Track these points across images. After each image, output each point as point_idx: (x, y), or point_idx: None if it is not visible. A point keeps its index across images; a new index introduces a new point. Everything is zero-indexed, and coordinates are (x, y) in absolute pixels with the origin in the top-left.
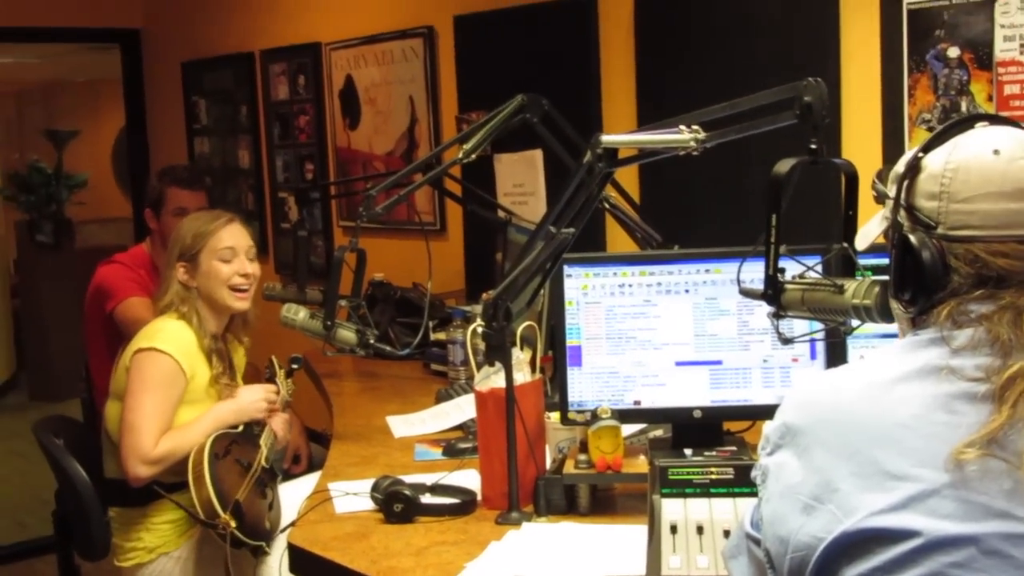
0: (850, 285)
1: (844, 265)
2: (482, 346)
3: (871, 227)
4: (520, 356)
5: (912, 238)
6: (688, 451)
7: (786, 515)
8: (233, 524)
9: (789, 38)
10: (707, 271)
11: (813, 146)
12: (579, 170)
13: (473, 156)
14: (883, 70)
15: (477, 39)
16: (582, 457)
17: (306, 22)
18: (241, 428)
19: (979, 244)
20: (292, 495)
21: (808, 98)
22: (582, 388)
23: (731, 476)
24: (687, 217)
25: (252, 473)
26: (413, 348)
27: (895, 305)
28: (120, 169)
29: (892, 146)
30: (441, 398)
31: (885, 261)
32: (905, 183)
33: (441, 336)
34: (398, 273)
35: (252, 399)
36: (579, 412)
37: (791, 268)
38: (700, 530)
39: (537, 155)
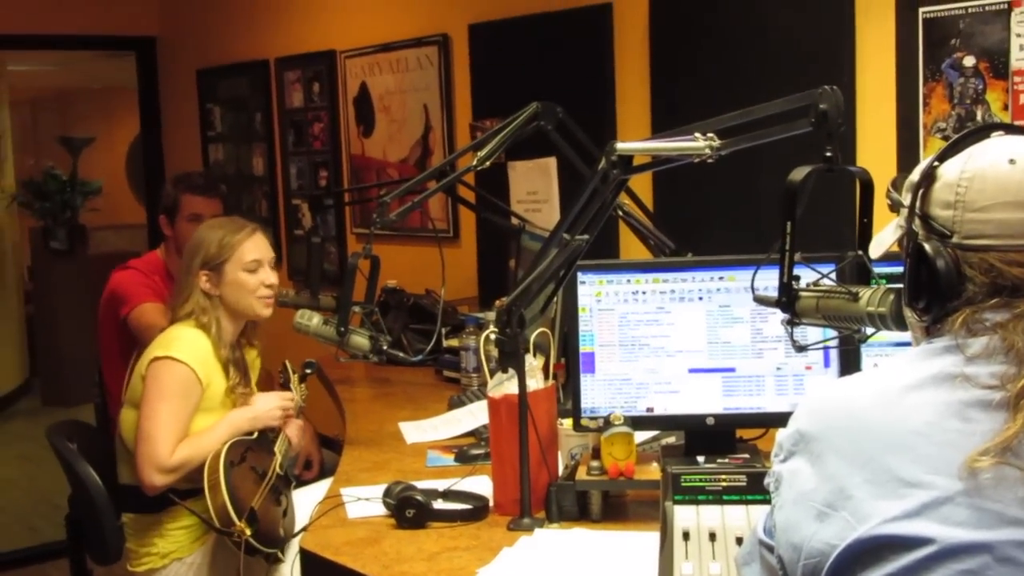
0: (865, 293)
1: (859, 273)
2: (495, 353)
3: (885, 235)
4: (533, 363)
5: (927, 247)
6: (701, 458)
7: (799, 522)
8: (248, 532)
9: (804, 46)
10: (721, 278)
11: (828, 154)
12: (593, 177)
13: (487, 163)
14: (898, 79)
15: (492, 47)
16: (594, 464)
17: (321, 30)
18: (256, 435)
19: (994, 253)
20: (305, 501)
21: (824, 106)
22: (595, 395)
23: (744, 483)
24: (700, 225)
25: (267, 481)
26: (426, 355)
27: (909, 313)
28: (134, 176)
29: (907, 155)
30: (453, 404)
31: (900, 269)
32: (920, 192)
33: (454, 343)
34: (411, 280)
35: (267, 407)
36: (592, 419)
37: (805, 276)
38: (712, 537)
39: (551, 163)
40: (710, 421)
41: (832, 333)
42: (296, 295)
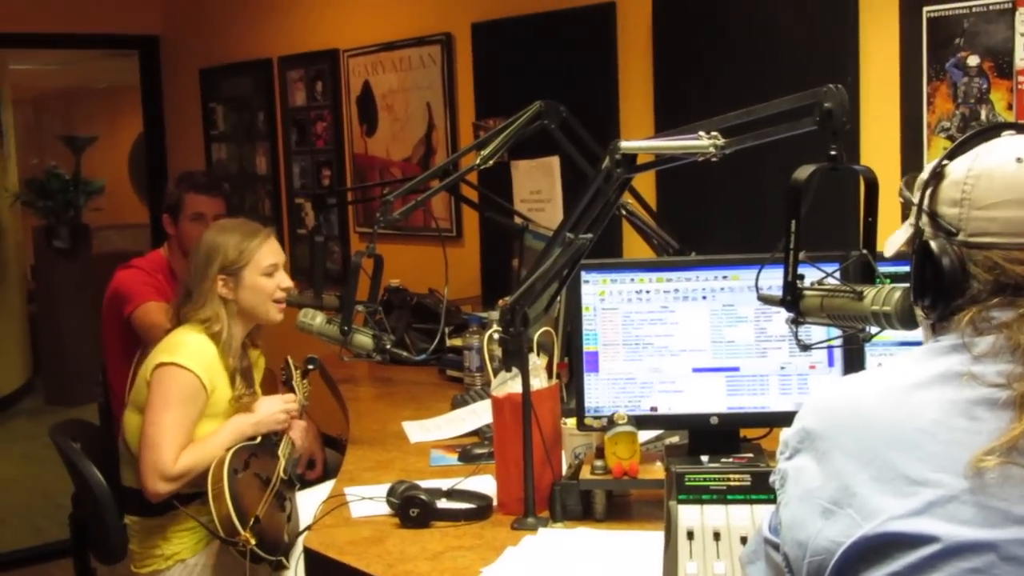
0: (870, 292)
1: (863, 272)
2: (498, 352)
3: (898, 235)
4: (537, 362)
5: (933, 244)
6: (705, 458)
7: (805, 519)
8: (253, 541)
9: (808, 46)
10: (724, 278)
11: (833, 152)
12: (597, 176)
13: (490, 162)
14: (902, 78)
15: (495, 46)
16: (598, 463)
17: (324, 29)
18: (259, 440)
19: (998, 251)
20: (309, 502)
21: (828, 104)
22: (599, 394)
23: (748, 483)
24: (704, 224)
25: (271, 488)
26: (429, 354)
27: (918, 311)
28: (137, 175)
29: (911, 154)
30: (457, 404)
31: (906, 268)
32: (929, 190)
33: (457, 342)
34: (414, 279)
35: (270, 411)
36: (595, 418)
37: (810, 274)
38: (717, 536)
39: (554, 162)
40: (714, 420)
41: (836, 332)
42: (299, 294)
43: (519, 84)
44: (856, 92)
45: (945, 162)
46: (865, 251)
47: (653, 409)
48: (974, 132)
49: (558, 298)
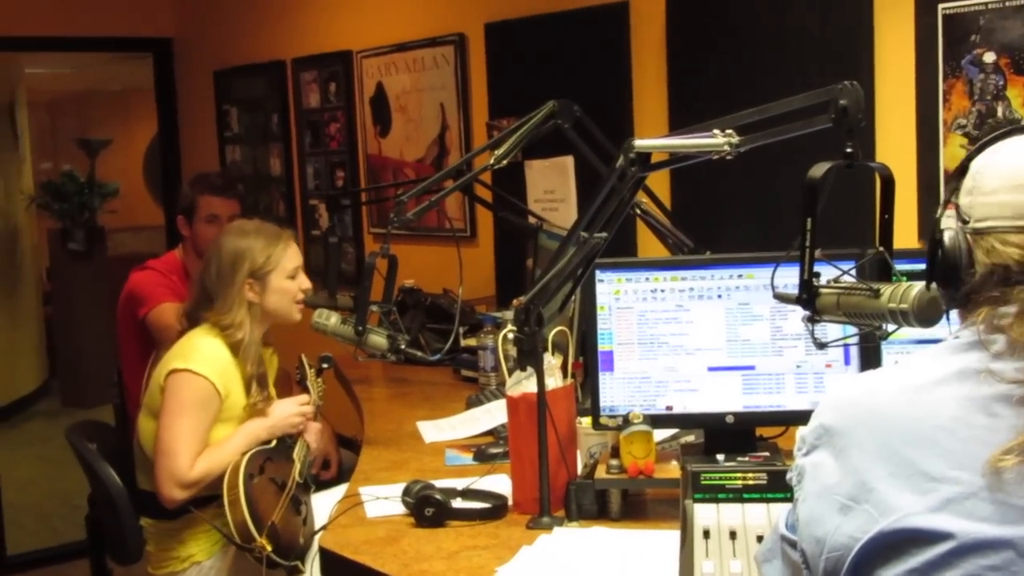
0: (886, 289)
1: (880, 269)
2: (513, 352)
3: None
4: (551, 361)
5: (945, 232)
6: (720, 457)
7: (823, 515)
8: (269, 548)
9: (822, 43)
10: (740, 276)
11: (849, 150)
12: (611, 174)
13: (504, 162)
14: (918, 75)
15: (508, 46)
16: (614, 462)
17: (337, 30)
18: (274, 443)
19: (996, 234)
20: (324, 504)
21: (844, 101)
22: (614, 393)
23: (764, 481)
24: (719, 222)
25: (287, 492)
26: (444, 354)
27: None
28: (152, 177)
29: (927, 152)
30: (471, 404)
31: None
32: (954, 185)
33: (471, 342)
34: (429, 279)
35: (284, 414)
36: (611, 417)
37: (826, 272)
38: (733, 535)
39: (568, 161)
40: (730, 419)
41: (853, 330)
42: (314, 295)
43: (532, 84)
44: (871, 89)
45: (970, 158)
46: (881, 248)
47: (668, 408)
48: (1006, 129)
49: (573, 297)
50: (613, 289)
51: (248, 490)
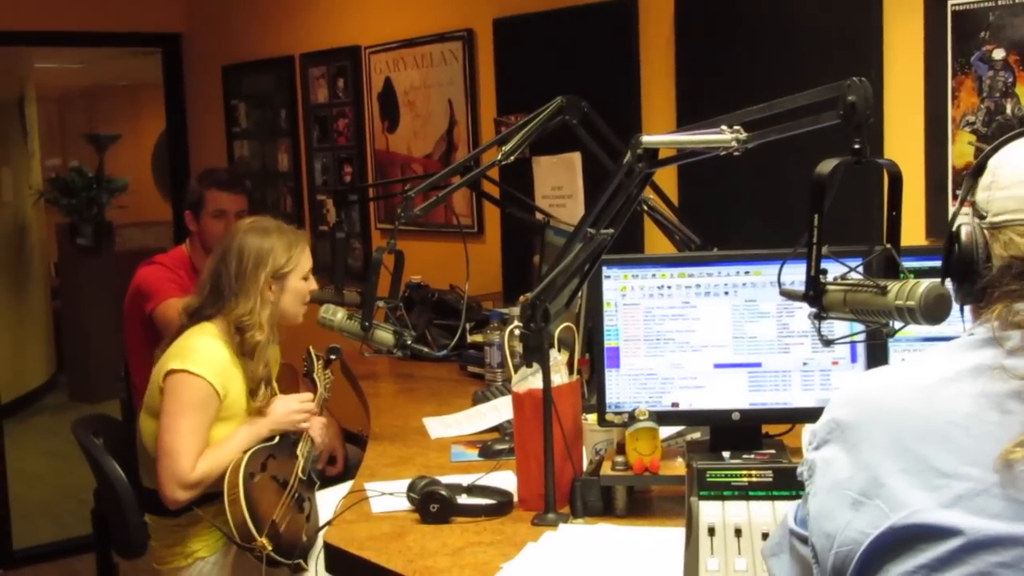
0: (893, 286)
1: (887, 266)
2: (519, 348)
3: None
4: (557, 357)
5: (963, 227)
6: (726, 454)
7: (833, 510)
8: (270, 547)
9: (831, 40)
10: (747, 273)
11: (857, 146)
12: (618, 170)
13: (511, 158)
14: (927, 72)
15: (516, 42)
16: (619, 459)
17: (345, 25)
18: (277, 439)
19: (1013, 227)
20: (330, 499)
21: (852, 97)
22: (620, 390)
23: (770, 479)
24: (726, 219)
25: (288, 491)
26: (450, 350)
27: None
28: (160, 173)
29: (935, 148)
30: (477, 400)
31: (928, 264)
32: (972, 182)
33: (478, 338)
34: (435, 275)
35: (285, 411)
36: (616, 414)
37: (833, 269)
38: (738, 533)
39: (576, 157)
40: (736, 416)
41: (859, 327)
42: (321, 290)
43: (540, 80)
44: (880, 86)
45: (989, 155)
46: (889, 245)
47: (674, 405)
48: (1022, 129)
49: (579, 294)
50: (620, 285)
51: (248, 489)
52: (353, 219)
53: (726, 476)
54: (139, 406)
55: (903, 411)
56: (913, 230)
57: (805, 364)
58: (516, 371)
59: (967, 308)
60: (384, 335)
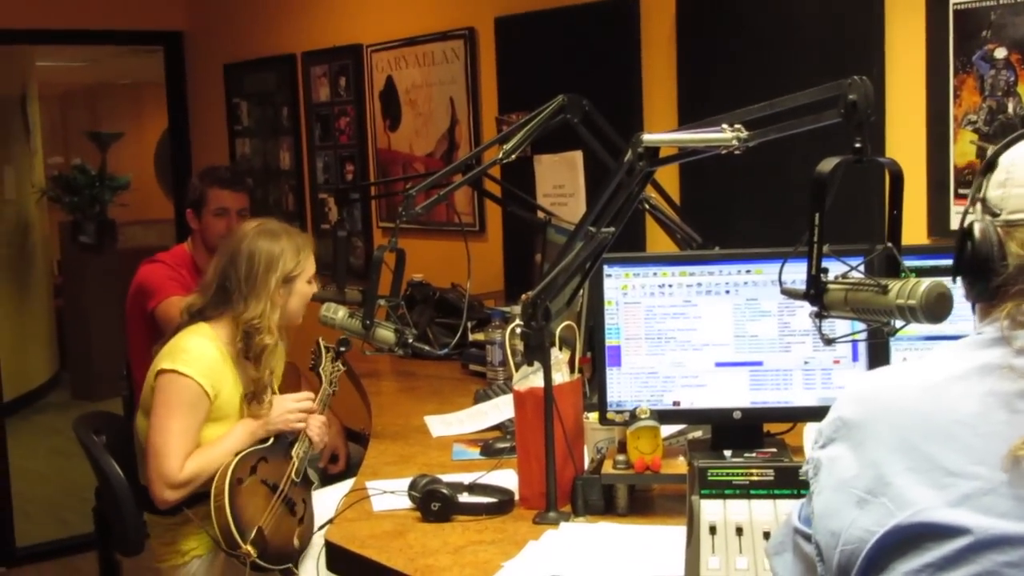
0: (894, 285)
1: (888, 265)
2: (521, 346)
3: None
4: (559, 356)
5: (976, 224)
6: (728, 452)
7: (839, 508)
8: (254, 554)
9: (833, 39)
10: (748, 272)
11: (858, 145)
12: (619, 169)
13: (513, 157)
14: (928, 70)
15: (518, 40)
16: (620, 457)
17: (347, 24)
18: (271, 441)
19: None
20: (332, 497)
21: (853, 96)
22: (621, 388)
23: (771, 478)
24: (727, 217)
25: (278, 495)
26: (451, 348)
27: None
28: (163, 171)
29: (937, 147)
30: (479, 398)
31: (929, 263)
32: (983, 180)
33: (479, 337)
34: (437, 274)
35: (281, 411)
36: (618, 412)
37: (834, 268)
38: (739, 531)
39: (577, 156)
40: (737, 415)
41: (861, 326)
42: (322, 289)
43: (542, 78)
44: (882, 85)
45: (1000, 152)
46: (890, 244)
47: (676, 403)
48: None
49: (580, 292)
50: (621, 284)
51: (233, 495)
52: (355, 217)
53: (727, 475)
54: None
55: (910, 409)
56: (914, 229)
57: (806, 363)
58: (517, 370)
59: (976, 307)
60: (385, 333)
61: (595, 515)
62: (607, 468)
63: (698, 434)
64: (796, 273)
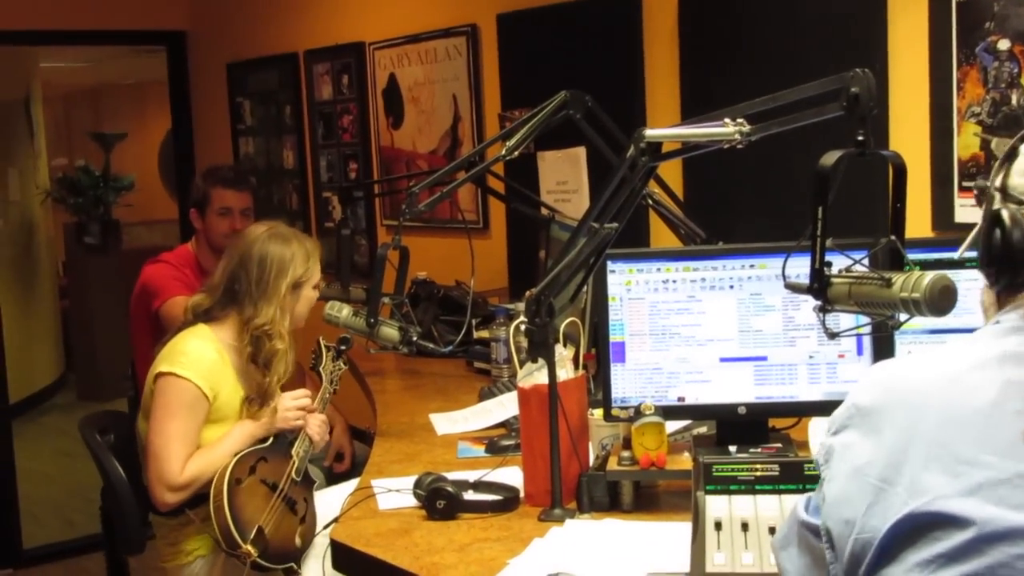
0: (898, 278)
1: (892, 258)
2: (525, 343)
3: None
4: (563, 353)
5: (1003, 211)
6: (733, 448)
7: (852, 496)
8: (255, 553)
9: (836, 31)
10: (752, 266)
11: (860, 138)
12: (622, 164)
13: (516, 153)
14: (932, 63)
15: (520, 37)
16: (625, 454)
17: (350, 22)
18: (271, 441)
19: None
20: (337, 496)
21: (855, 89)
22: (625, 384)
23: (776, 473)
24: (731, 212)
25: (278, 494)
26: (456, 346)
27: (986, 294)
28: (167, 171)
29: (940, 140)
30: (484, 396)
31: (934, 256)
32: (1004, 168)
33: (484, 334)
34: (441, 271)
35: (280, 409)
36: (622, 408)
37: (837, 262)
38: (745, 527)
39: (580, 152)
40: (742, 410)
41: (865, 320)
42: (326, 287)
43: (545, 74)
44: (884, 77)
45: (1021, 140)
46: (893, 237)
47: (680, 399)
48: None
49: (584, 288)
50: (624, 280)
51: (232, 496)
52: (358, 215)
53: (732, 470)
54: None
55: (926, 397)
56: (918, 222)
57: (811, 357)
58: (522, 366)
59: (993, 296)
60: (390, 331)
61: (600, 512)
62: (612, 465)
63: (703, 430)
64: (800, 267)
